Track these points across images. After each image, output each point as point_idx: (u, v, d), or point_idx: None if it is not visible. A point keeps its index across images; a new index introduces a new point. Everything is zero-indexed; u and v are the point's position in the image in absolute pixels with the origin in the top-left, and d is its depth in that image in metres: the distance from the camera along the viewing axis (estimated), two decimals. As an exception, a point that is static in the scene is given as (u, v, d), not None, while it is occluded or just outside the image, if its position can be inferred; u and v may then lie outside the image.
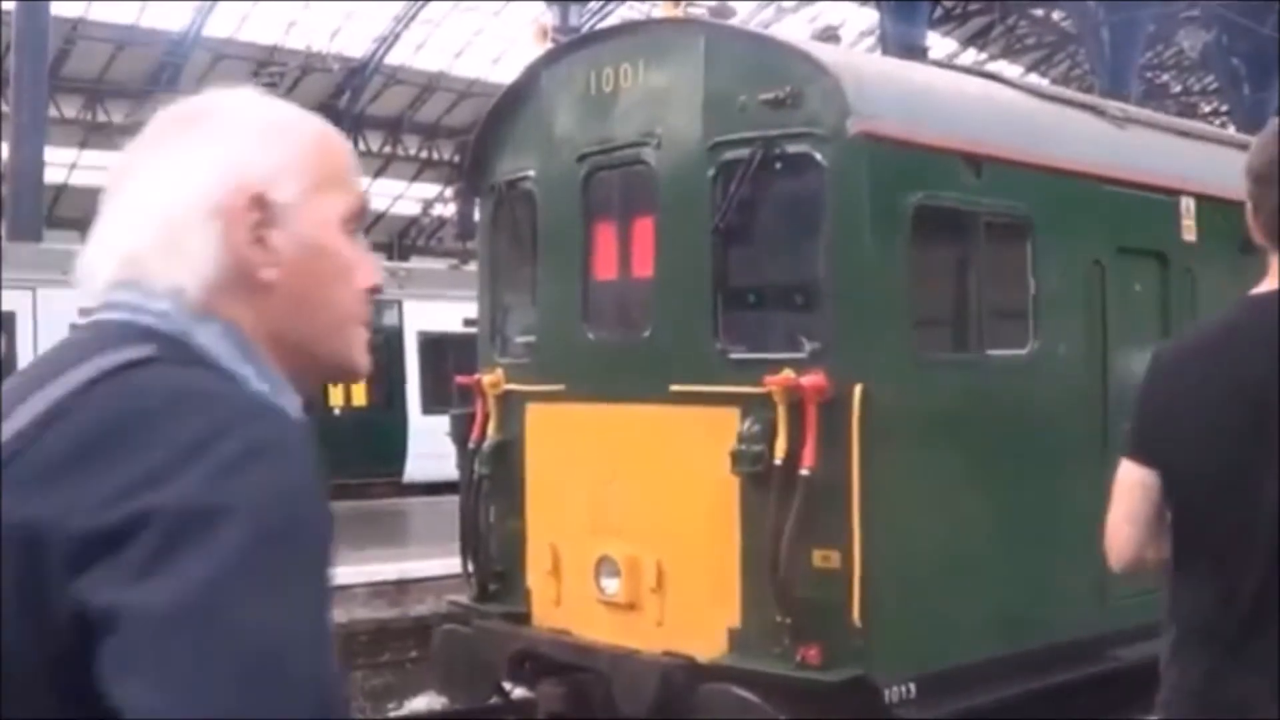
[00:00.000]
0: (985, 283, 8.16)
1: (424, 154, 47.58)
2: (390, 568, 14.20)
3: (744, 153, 7.73)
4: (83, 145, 40.56)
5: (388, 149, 46.67)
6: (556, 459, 8.60)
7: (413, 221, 50.13)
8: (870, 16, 36.37)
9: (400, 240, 50.16)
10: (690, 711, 7.37)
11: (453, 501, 9.61)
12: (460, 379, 9.72)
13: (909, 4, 27.06)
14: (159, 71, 39.04)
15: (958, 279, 8.28)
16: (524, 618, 8.66)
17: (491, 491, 9.01)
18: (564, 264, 8.81)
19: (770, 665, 7.28)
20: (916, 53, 24.33)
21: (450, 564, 10.37)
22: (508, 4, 39.11)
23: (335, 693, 1.41)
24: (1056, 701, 8.10)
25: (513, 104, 9.33)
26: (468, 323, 16.30)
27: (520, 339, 9.40)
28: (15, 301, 19.87)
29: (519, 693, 9.43)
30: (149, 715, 1.29)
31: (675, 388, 7.83)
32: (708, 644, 7.61)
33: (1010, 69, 40.49)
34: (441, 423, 10.46)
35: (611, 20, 33.51)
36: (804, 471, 7.15)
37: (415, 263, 38.47)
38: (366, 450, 23.00)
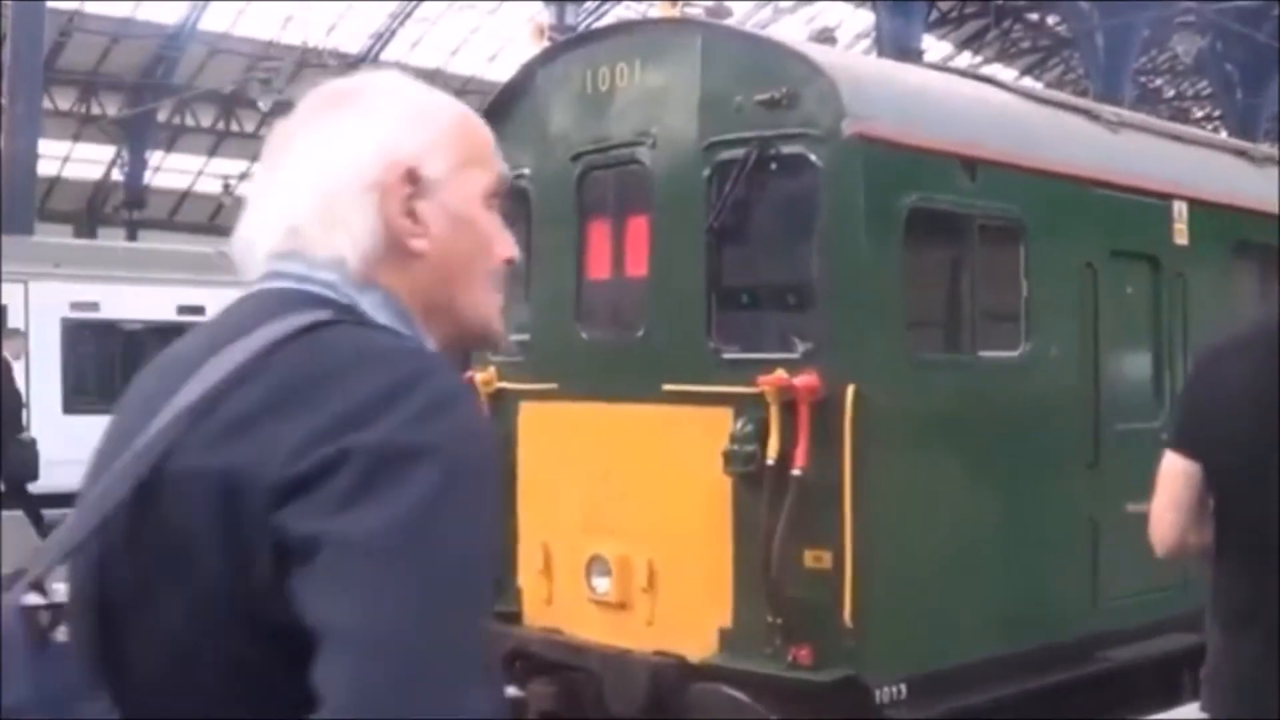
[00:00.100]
0: (978, 284, 8.17)
1: (418, 151, 47.54)
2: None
3: (739, 153, 7.73)
4: (76, 138, 40.51)
5: (382, 146, 46.62)
6: (549, 458, 8.60)
7: (406, 218, 50.06)
8: (866, 19, 36.42)
9: (393, 237, 50.10)
10: (681, 711, 7.38)
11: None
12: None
13: (905, 6, 27.08)
14: (154, 65, 39.02)
15: (951, 281, 8.30)
16: (515, 617, 8.66)
17: (483, 489, 8.99)
18: (558, 263, 8.81)
19: (761, 665, 7.29)
20: (912, 55, 24.36)
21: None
22: (504, 2, 39.11)
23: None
24: (1049, 702, 8.12)
25: (508, 102, 9.33)
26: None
27: (513, 337, 9.40)
28: (7, 294, 19.83)
29: (510, 692, 9.43)
30: (346, 630, 1.41)
31: (668, 387, 7.84)
32: (699, 644, 7.61)
33: (1005, 72, 40.53)
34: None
35: (608, 19, 33.52)
36: (796, 472, 7.16)
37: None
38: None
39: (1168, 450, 3.70)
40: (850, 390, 7.14)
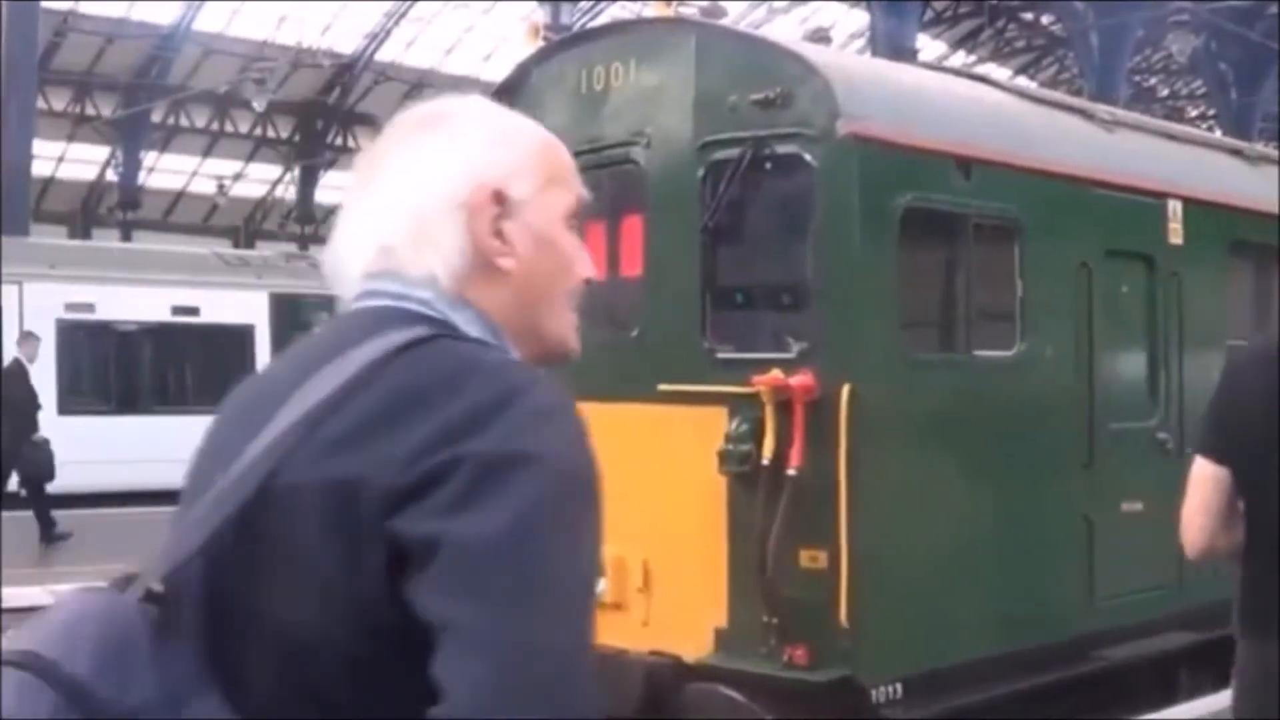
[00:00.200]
0: (973, 284, 8.17)
1: (413, 151, 47.51)
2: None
3: (734, 153, 7.73)
4: (70, 138, 40.46)
5: (376, 146, 46.59)
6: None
7: (401, 219, 50.03)
8: (861, 18, 36.43)
9: (388, 237, 50.05)
10: (677, 711, 7.37)
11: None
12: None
13: (899, 6, 27.09)
14: (148, 65, 38.99)
15: (946, 280, 8.30)
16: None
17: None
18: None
19: (757, 665, 7.29)
20: (906, 55, 24.37)
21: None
22: (499, 2, 39.10)
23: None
24: (1045, 701, 8.12)
25: (503, 102, 9.29)
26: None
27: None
28: (2, 295, 19.81)
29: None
30: (466, 627, 1.50)
31: (663, 387, 7.83)
32: (694, 644, 7.61)
33: (999, 72, 40.55)
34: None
35: (603, 19, 33.52)
36: (791, 471, 7.15)
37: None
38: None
39: (1198, 455, 3.85)
40: (845, 390, 7.14)
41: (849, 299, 7.48)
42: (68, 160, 41.88)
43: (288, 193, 45.36)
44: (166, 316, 21.61)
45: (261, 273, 23.27)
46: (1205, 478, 3.80)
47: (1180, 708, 8.52)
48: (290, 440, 1.66)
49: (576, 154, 7.41)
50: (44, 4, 26.41)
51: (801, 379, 7.23)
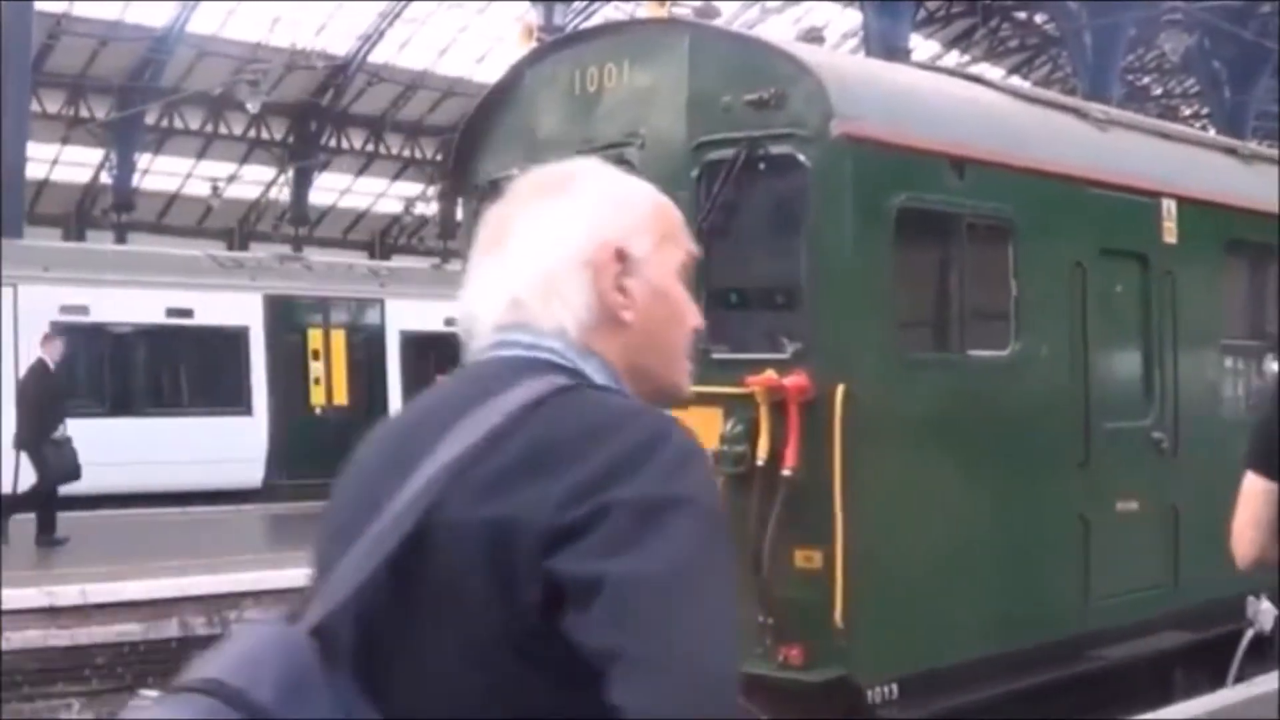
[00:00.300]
0: (967, 284, 8.18)
1: (406, 153, 47.47)
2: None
3: (728, 153, 7.73)
4: (64, 141, 40.38)
5: (370, 147, 46.56)
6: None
7: (394, 220, 50.02)
8: (854, 18, 36.41)
9: (382, 239, 50.06)
10: (672, 711, 7.36)
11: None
12: (442, 379, 9.70)
13: (892, 5, 27.10)
14: (142, 67, 38.90)
15: (940, 280, 8.30)
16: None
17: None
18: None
19: (752, 665, 7.27)
20: (900, 54, 24.37)
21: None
22: (492, 3, 39.06)
23: None
24: (1041, 702, 8.12)
25: (497, 103, 9.32)
26: (449, 322, 16.28)
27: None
28: (-4, 298, 19.79)
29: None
30: (638, 655, 1.64)
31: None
32: (689, 644, 7.59)
33: (993, 71, 40.55)
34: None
35: (596, 20, 33.49)
36: (786, 472, 7.15)
37: (397, 262, 38.41)
38: (348, 449, 22.83)
39: (1248, 470, 3.93)
40: (840, 390, 7.14)
41: (843, 299, 7.48)
42: (62, 163, 41.75)
43: (282, 194, 45.27)
44: (161, 319, 21.57)
45: (256, 275, 23.23)
46: (1255, 492, 3.90)
47: (1176, 707, 8.51)
48: (444, 483, 1.78)
49: (570, 155, 7.35)
50: (38, 7, 26.36)
51: (796, 379, 7.23)
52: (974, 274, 8.21)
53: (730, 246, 8.11)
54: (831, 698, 7.18)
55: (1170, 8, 30.92)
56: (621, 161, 8.36)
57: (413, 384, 23.37)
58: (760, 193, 7.88)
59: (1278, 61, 35.96)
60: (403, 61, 43.02)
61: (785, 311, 7.99)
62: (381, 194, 49.24)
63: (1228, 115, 36.87)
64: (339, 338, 23.78)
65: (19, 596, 12.05)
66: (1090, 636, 8.70)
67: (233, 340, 22.30)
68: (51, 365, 16.38)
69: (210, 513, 19.46)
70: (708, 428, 7.47)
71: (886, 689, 7.27)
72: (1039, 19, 44.63)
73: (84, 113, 39.66)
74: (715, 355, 7.77)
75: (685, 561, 1.69)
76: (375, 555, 1.77)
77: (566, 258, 1.95)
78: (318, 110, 43.75)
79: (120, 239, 39.10)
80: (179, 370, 22.70)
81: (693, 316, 2.07)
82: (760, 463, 7.23)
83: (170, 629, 12.82)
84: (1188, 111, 49.43)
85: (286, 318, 23.16)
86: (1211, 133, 29.13)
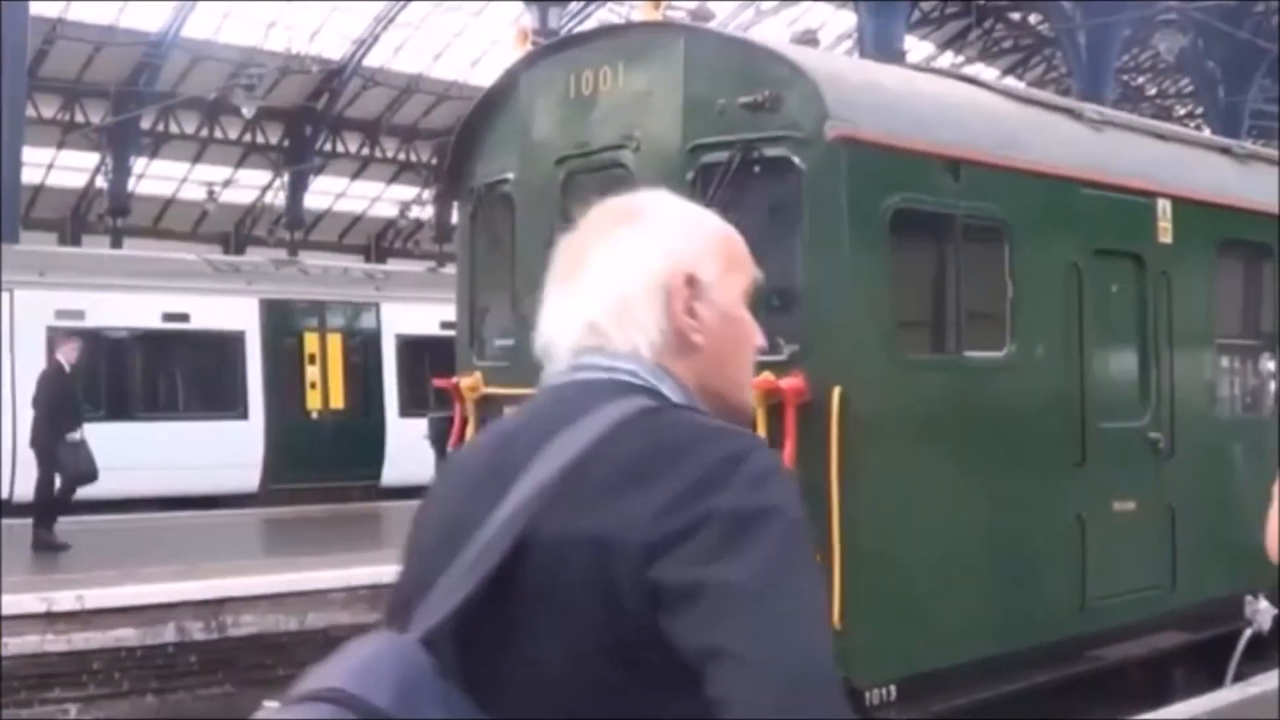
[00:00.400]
0: (963, 285, 8.18)
1: (402, 156, 47.47)
2: (368, 571, 14.16)
3: (723, 156, 7.73)
4: (60, 145, 40.36)
5: (365, 151, 46.56)
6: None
7: (390, 224, 50.01)
8: (849, 19, 36.45)
9: (377, 242, 50.06)
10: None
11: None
12: (438, 382, 9.70)
13: (887, 7, 27.10)
14: (137, 72, 38.86)
15: (935, 281, 8.30)
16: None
17: (470, 495, 8.98)
18: (542, 267, 8.75)
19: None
20: (894, 56, 24.37)
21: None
22: (487, 6, 39.07)
23: None
24: (1039, 703, 8.12)
25: (492, 107, 9.32)
26: (445, 325, 16.28)
27: (499, 342, 9.39)
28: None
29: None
30: (740, 654, 1.75)
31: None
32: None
33: (987, 72, 40.60)
34: (419, 426, 10.44)
35: (591, 23, 33.51)
36: (783, 474, 7.14)
37: (393, 265, 38.39)
38: (344, 453, 22.94)
39: None
40: (836, 392, 7.14)
41: (839, 301, 7.48)
42: (57, 167, 41.72)
43: (277, 198, 45.26)
44: (157, 323, 21.54)
45: (252, 279, 23.20)
46: None
47: (1175, 707, 8.52)
48: (541, 500, 1.89)
49: (565, 159, 7.42)
50: (33, 11, 26.34)
51: (792, 381, 7.23)
52: (969, 275, 8.21)
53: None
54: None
55: (1165, 8, 30.94)
56: (617, 165, 8.39)
57: (408, 387, 23.36)
58: (755, 195, 7.88)
59: (1275, 61, 36.01)
60: (398, 65, 43.01)
61: (781, 314, 7.98)
62: (377, 198, 49.23)
63: (1222, 115, 36.90)
64: (335, 342, 23.74)
65: (16, 602, 12.04)
66: (1088, 637, 8.70)
67: (229, 344, 22.26)
68: (67, 368, 16.41)
69: (206, 518, 19.43)
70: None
71: (884, 690, 7.27)
72: (1033, 19, 44.69)
73: (79, 117, 39.62)
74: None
75: (778, 566, 1.81)
76: (478, 571, 1.89)
77: (640, 283, 2.06)
78: (313, 114, 43.73)
79: (116, 243, 39.10)
80: (175, 375, 22.66)
81: (757, 338, 2.18)
82: (757, 465, 7.21)
83: (167, 634, 12.80)
84: (1182, 111, 49.48)
85: (282, 322, 23.12)
86: (1206, 133, 29.15)
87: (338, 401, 23.51)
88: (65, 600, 12.44)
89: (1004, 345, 8.35)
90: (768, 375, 7.25)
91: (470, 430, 8.99)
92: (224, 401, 22.23)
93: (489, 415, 8.93)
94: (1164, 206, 9.63)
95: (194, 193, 44.36)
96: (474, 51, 41.37)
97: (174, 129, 42.33)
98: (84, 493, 16.26)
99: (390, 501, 21.43)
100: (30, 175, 33.94)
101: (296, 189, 44.67)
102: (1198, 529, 9.53)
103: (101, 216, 41.44)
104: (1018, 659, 8.11)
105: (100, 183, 41.74)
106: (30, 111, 30.91)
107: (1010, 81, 39.12)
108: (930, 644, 7.67)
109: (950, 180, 8.00)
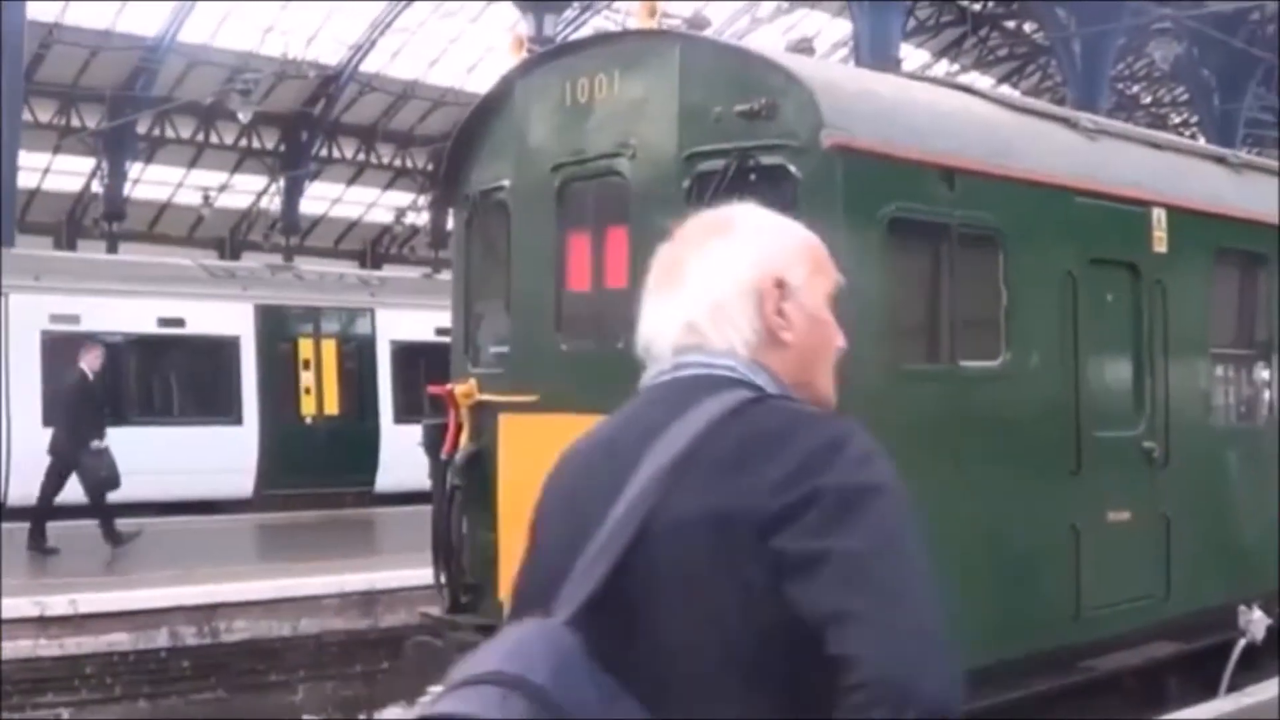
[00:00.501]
0: (958, 294, 8.17)
1: (397, 162, 47.45)
2: (361, 578, 14.16)
3: (718, 164, 7.72)
4: (56, 150, 40.34)
5: (361, 156, 46.55)
6: (530, 470, 8.52)
7: (385, 230, 50.00)
8: (844, 28, 36.46)
9: (373, 248, 50.04)
10: None
11: (424, 512, 9.57)
12: (432, 389, 9.70)
13: (883, 15, 27.12)
14: (134, 77, 38.83)
15: (931, 290, 8.30)
16: (496, 630, 8.61)
17: (464, 503, 8.98)
18: (537, 274, 8.79)
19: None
20: (889, 64, 24.39)
21: (422, 575, 10.33)
22: (483, 12, 39.08)
23: None
24: (1031, 712, 8.11)
25: (487, 114, 9.32)
26: (440, 332, 16.27)
27: (493, 349, 9.38)
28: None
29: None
30: (867, 614, 1.96)
31: (649, 398, 7.81)
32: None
33: (982, 80, 40.63)
34: (414, 432, 10.43)
35: (586, 30, 33.51)
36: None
37: (388, 271, 38.37)
38: (338, 459, 22.92)
39: None
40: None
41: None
42: (53, 172, 41.68)
43: (273, 204, 45.22)
44: (152, 328, 21.52)
45: (247, 284, 23.17)
46: None
47: (1169, 717, 8.52)
48: (662, 485, 2.08)
49: (561, 166, 7.40)
50: (29, 15, 26.32)
51: (787, 390, 7.21)
52: (964, 284, 8.21)
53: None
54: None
55: (1159, 16, 30.98)
56: (612, 172, 8.39)
57: (403, 394, 23.34)
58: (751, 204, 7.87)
59: (1270, 70, 36.07)
60: (394, 71, 43.01)
61: (776, 322, 7.98)
62: (373, 203, 49.22)
63: (1217, 123, 36.94)
64: (330, 347, 23.72)
65: (9, 606, 12.02)
66: (1082, 646, 8.69)
67: (224, 350, 22.24)
68: (90, 375, 16.44)
69: (200, 523, 19.41)
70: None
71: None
72: (1028, 28, 44.72)
73: (75, 122, 39.60)
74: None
75: (891, 535, 2.03)
76: (607, 556, 2.08)
77: (734, 287, 2.27)
78: (309, 119, 43.72)
79: (111, 248, 39.05)
80: (170, 380, 22.64)
81: (839, 338, 2.40)
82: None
83: (160, 639, 12.79)
84: (1177, 120, 49.53)
85: (278, 327, 23.10)
86: (1201, 141, 29.18)
87: (332, 407, 23.49)
88: (58, 604, 12.43)
89: (999, 354, 8.35)
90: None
91: (464, 437, 8.98)
92: (219, 407, 22.20)
93: (483, 422, 8.93)
94: (1159, 215, 9.63)
95: (189, 197, 44.32)
96: (470, 58, 41.36)
97: (170, 133, 42.32)
98: (80, 498, 16.25)
99: (384, 508, 21.45)
100: (26, 179, 33.91)
101: (292, 194, 44.65)
102: (1192, 538, 9.53)
103: (97, 221, 41.40)
104: (1012, 668, 8.10)
105: (96, 187, 41.70)
106: (26, 115, 30.88)
107: (1005, 90, 39.15)
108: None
109: (945, 189, 8.00)
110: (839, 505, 2.01)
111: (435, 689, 2.07)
